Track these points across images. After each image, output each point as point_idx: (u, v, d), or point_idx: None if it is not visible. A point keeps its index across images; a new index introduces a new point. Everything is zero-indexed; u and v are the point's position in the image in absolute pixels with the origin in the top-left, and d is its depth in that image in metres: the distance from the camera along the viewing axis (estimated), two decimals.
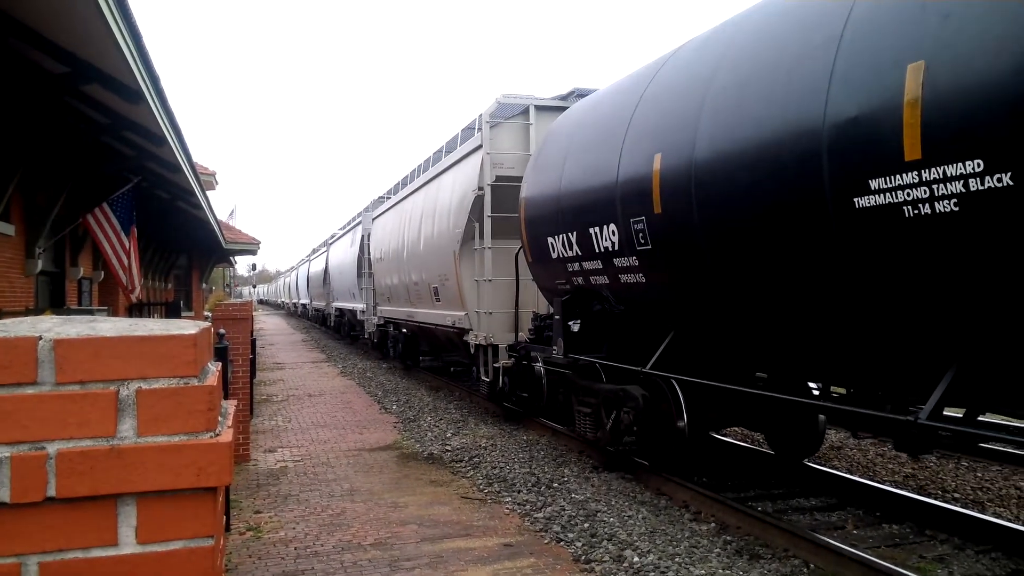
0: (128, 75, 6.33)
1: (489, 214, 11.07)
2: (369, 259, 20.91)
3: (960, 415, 5.43)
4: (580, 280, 8.48)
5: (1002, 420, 5.84)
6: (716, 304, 6.39)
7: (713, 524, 6.27)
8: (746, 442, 9.38)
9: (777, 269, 5.47)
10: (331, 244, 31.57)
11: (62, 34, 6.17)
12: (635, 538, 5.88)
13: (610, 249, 7.55)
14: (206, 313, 25.64)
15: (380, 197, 21.85)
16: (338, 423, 11.39)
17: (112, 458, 1.01)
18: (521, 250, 10.21)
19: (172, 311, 19.07)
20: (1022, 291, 3.88)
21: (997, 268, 3.94)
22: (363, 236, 21.89)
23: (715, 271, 6.12)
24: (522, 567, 5.41)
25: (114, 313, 14.29)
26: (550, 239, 8.88)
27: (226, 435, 1.05)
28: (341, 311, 28.94)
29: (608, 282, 7.88)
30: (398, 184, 18.98)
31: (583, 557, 5.54)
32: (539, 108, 11.34)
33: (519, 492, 7.32)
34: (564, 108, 10.72)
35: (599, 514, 6.52)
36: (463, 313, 11.99)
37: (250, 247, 26.86)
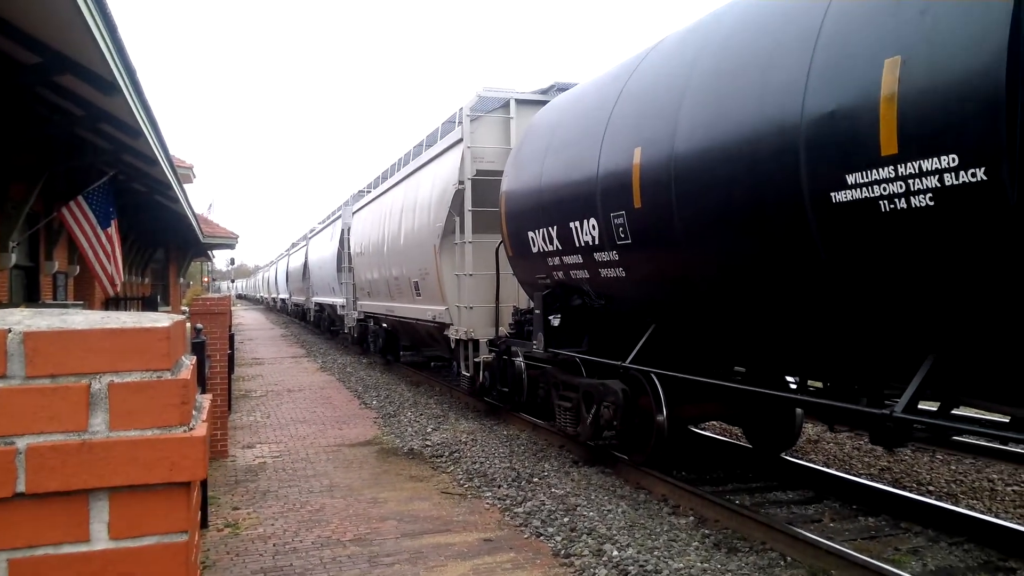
0: (103, 66, 6.24)
1: (470, 208, 11.05)
2: (349, 253, 20.81)
3: (935, 409, 5.51)
4: (560, 274, 8.49)
5: (975, 414, 5.93)
6: (695, 299, 6.43)
7: (692, 518, 6.31)
8: (725, 436, 9.44)
9: (755, 263, 5.50)
10: (311, 238, 31.38)
11: (33, 23, 6.07)
12: (614, 532, 5.90)
13: (590, 243, 7.56)
14: (184, 308, 25.42)
15: (360, 191, 21.74)
16: (317, 419, 11.34)
17: (83, 452, 0.99)
18: (502, 244, 10.21)
19: (149, 306, 18.87)
20: (994, 284, 3.93)
21: (971, 261, 3.99)
22: (343, 230, 21.77)
23: (694, 265, 6.15)
24: (502, 562, 5.41)
25: (90, 307, 14.12)
26: (531, 233, 8.88)
27: (200, 429, 1.04)
28: (321, 306, 28.78)
29: (588, 276, 7.89)
30: (378, 178, 18.89)
31: (563, 551, 5.55)
32: (520, 102, 11.32)
33: (499, 487, 7.32)
34: (545, 102, 10.71)
35: (579, 508, 6.54)
36: (443, 308, 11.97)
37: (228, 241, 26.64)
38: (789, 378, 7.21)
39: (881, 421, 4.75)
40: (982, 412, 5.55)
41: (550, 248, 8.46)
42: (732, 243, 5.67)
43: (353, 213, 20.98)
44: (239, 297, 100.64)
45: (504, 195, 9.69)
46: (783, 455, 7.90)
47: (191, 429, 1.04)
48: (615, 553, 5.44)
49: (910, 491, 6.91)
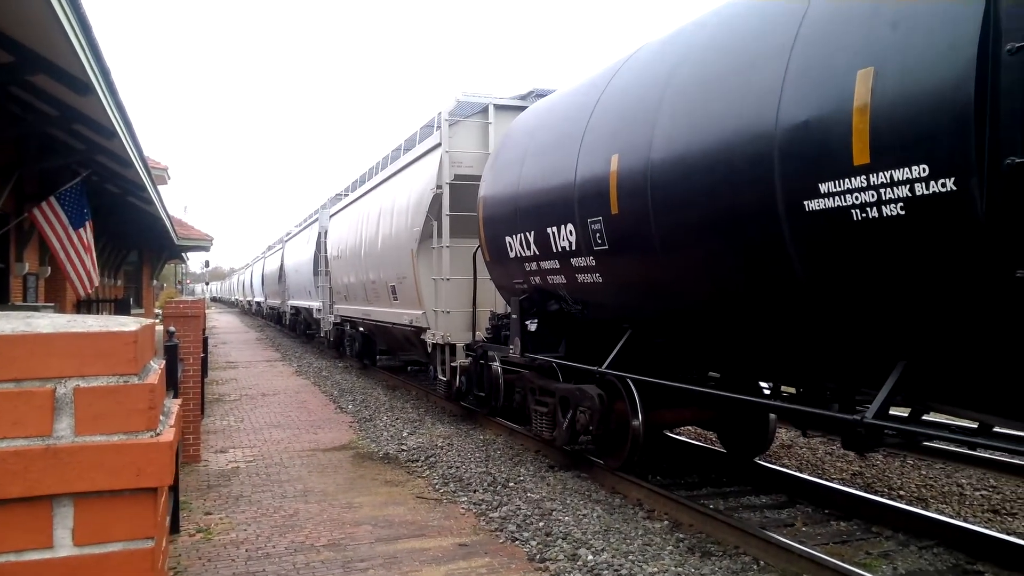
0: (77, 66, 6.16)
1: (447, 213, 11.04)
2: (326, 257, 20.69)
3: (905, 415, 5.58)
4: (538, 280, 8.50)
5: (945, 419, 6.01)
6: (670, 305, 6.47)
7: (666, 522, 6.34)
8: (700, 441, 9.50)
9: (729, 270, 5.55)
10: (287, 241, 31.16)
11: (7, 22, 5.98)
12: (589, 536, 5.92)
13: (567, 249, 7.58)
14: (157, 310, 25.13)
15: (337, 195, 21.64)
16: (292, 423, 11.25)
17: (48, 458, 0.98)
18: (479, 249, 10.21)
19: (122, 308, 18.63)
20: (962, 292, 4.00)
21: (939, 270, 4.05)
22: (320, 234, 21.65)
23: (669, 272, 6.19)
24: (477, 567, 5.40)
25: (61, 310, 13.91)
26: (508, 238, 8.88)
27: (167, 435, 1.03)
28: (297, 309, 28.58)
29: (565, 282, 7.91)
30: (356, 182, 18.82)
31: (538, 556, 5.55)
32: (498, 107, 11.34)
33: (475, 492, 7.31)
34: (523, 108, 10.73)
35: (554, 513, 6.55)
36: (421, 312, 11.94)
37: (203, 243, 26.36)
38: (763, 384, 7.27)
39: (852, 426, 4.80)
40: (951, 418, 5.63)
41: (527, 253, 8.48)
42: (707, 250, 5.72)
43: (330, 216, 20.87)
44: (213, 300, 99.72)
45: (482, 200, 9.70)
46: (757, 460, 7.96)
47: (158, 434, 1.03)
48: (590, 557, 5.45)
49: (881, 496, 6.99)
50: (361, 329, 17.77)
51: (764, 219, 4.97)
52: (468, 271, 11.04)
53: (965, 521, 6.25)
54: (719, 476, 7.89)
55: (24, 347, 0.98)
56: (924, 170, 3.91)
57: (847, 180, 4.32)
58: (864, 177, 4.22)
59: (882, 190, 4.13)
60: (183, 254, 33.18)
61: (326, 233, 20.89)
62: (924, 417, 5.58)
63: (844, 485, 7.32)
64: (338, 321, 19.84)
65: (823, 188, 4.47)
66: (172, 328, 7.27)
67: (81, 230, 10.85)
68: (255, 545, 5.84)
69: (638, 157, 6.34)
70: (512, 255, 8.88)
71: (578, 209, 7.25)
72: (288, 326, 32.46)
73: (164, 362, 1.24)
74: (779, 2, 5.33)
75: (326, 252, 20.58)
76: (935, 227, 3.94)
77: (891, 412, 4.79)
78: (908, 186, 3.99)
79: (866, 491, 7.15)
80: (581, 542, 5.79)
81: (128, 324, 1.06)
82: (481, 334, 10.86)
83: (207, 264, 66.65)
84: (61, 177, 11.11)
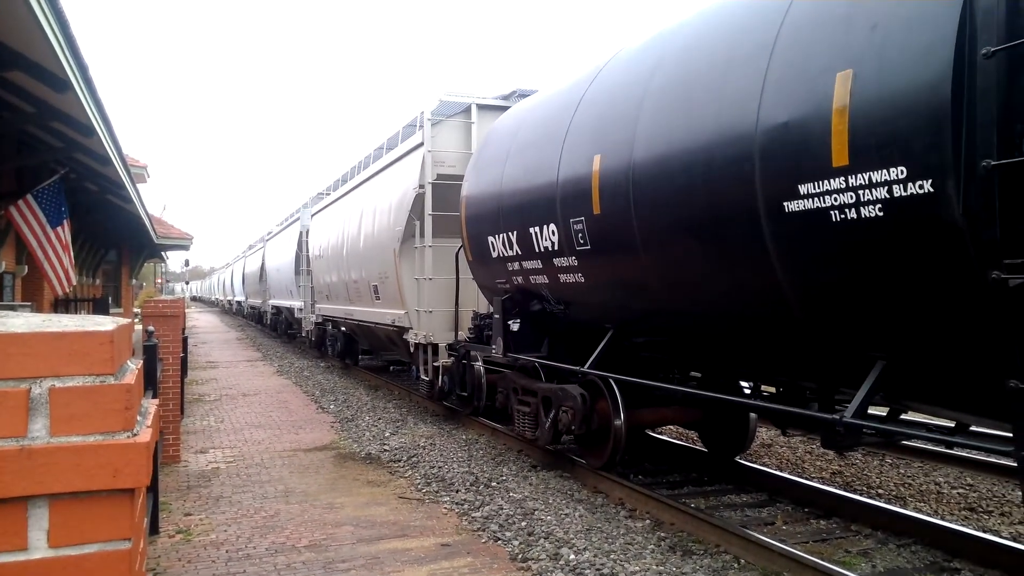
0: (54, 62, 6.09)
1: (430, 212, 11.02)
2: (307, 256, 20.59)
3: (884, 414, 5.64)
4: (520, 279, 8.51)
5: (923, 419, 6.09)
6: (652, 305, 6.49)
7: (648, 521, 6.37)
8: (681, 440, 9.54)
9: (710, 271, 5.58)
10: (268, 241, 30.97)
11: None
12: (571, 536, 5.93)
13: (550, 249, 7.59)
14: (136, 310, 24.88)
15: (319, 194, 21.54)
16: (273, 423, 11.19)
17: (22, 459, 0.97)
18: (462, 249, 10.20)
19: (100, 307, 18.45)
20: (940, 293, 4.04)
21: (917, 271, 4.09)
22: (301, 233, 21.54)
23: (651, 272, 6.21)
24: (459, 567, 5.40)
25: (39, 309, 13.74)
26: (491, 238, 8.88)
27: (144, 435, 1.02)
28: (278, 309, 28.41)
29: (548, 282, 7.92)
30: (338, 181, 18.74)
31: (520, 556, 5.56)
32: (481, 107, 11.34)
33: (457, 491, 7.30)
34: (506, 108, 10.74)
35: (536, 512, 6.55)
36: (403, 311, 11.91)
37: (183, 242, 26.14)
38: (743, 383, 7.31)
39: (832, 426, 4.84)
40: (929, 417, 5.70)
41: (510, 253, 8.48)
42: (688, 250, 5.74)
43: (312, 216, 20.77)
44: (194, 299, 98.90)
45: (464, 199, 9.69)
46: (738, 459, 8.01)
47: (135, 435, 1.02)
48: (572, 556, 5.46)
49: (860, 494, 7.06)
50: (343, 329, 17.70)
51: (744, 220, 5.00)
52: (451, 271, 11.03)
53: (942, 519, 6.33)
54: (701, 475, 7.93)
55: None
56: (902, 172, 3.95)
57: (826, 182, 4.36)
58: (843, 179, 4.26)
59: (861, 191, 4.17)
60: (163, 253, 32.88)
61: (308, 232, 20.79)
62: (902, 417, 5.64)
63: (824, 484, 7.38)
64: (320, 321, 19.75)
65: (803, 189, 4.51)
66: (151, 328, 7.21)
67: (59, 229, 10.73)
68: (235, 546, 5.80)
69: (620, 157, 6.36)
70: (495, 255, 8.88)
71: (560, 209, 7.26)
72: (269, 326, 32.27)
73: (141, 362, 1.23)
74: (760, 4, 5.36)
75: (308, 251, 20.48)
76: (913, 229, 3.98)
77: (870, 411, 4.84)
78: (886, 188, 4.03)
79: (845, 490, 7.21)
80: (563, 541, 5.80)
81: (104, 323, 1.05)
82: (464, 334, 10.85)
83: (187, 263, 66.06)
84: (39, 175, 10.98)
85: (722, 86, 5.32)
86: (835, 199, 4.32)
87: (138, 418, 1.06)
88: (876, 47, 4.16)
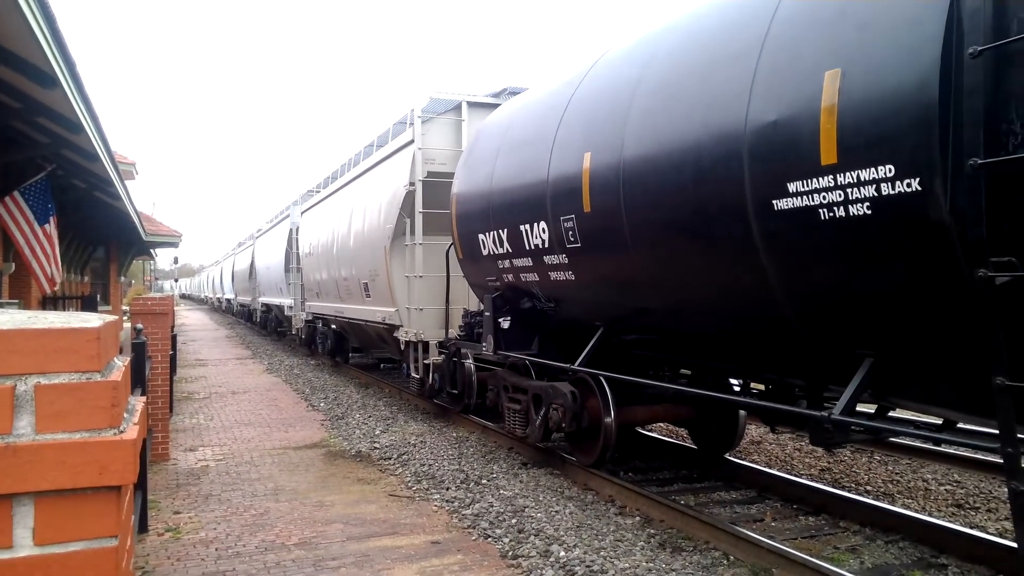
0: (41, 58, 6.05)
1: (420, 210, 11.00)
2: (297, 254, 20.53)
3: (872, 412, 5.67)
4: (510, 277, 8.51)
5: (911, 416, 6.13)
6: (642, 303, 6.51)
7: (638, 518, 6.38)
8: (671, 437, 9.57)
9: (699, 269, 5.60)
10: (258, 238, 30.85)
11: None
12: (562, 533, 5.94)
13: (540, 247, 7.60)
14: (124, 307, 24.75)
15: (309, 191, 21.47)
16: (263, 421, 11.16)
17: (7, 456, 0.96)
18: (452, 246, 10.19)
19: (88, 305, 18.33)
20: (927, 291, 4.07)
21: (904, 269, 4.12)
22: (291, 230, 21.47)
23: (641, 269, 6.22)
24: (449, 564, 5.40)
25: (26, 306, 13.65)
26: (481, 236, 8.88)
27: (131, 432, 1.02)
28: (268, 306, 28.31)
29: (538, 279, 7.93)
30: (328, 178, 18.69)
31: (510, 553, 5.56)
32: (472, 105, 11.32)
33: (448, 489, 7.31)
34: (496, 105, 10.73)
35: (527, 510, 6.56)
36: (393, 309, 11.89)
37: (172, 240, 26.05)
38: (733, 381, 7.34)
39: (820, 423, 4.87)
40: (917, 414, 5.73)
41: (500, 251, 8.48)
42: (678, 248, 5.76)
43: (302, 213, 20.71)
44: (183, 297, 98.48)
45: (455, 197, 9.68)
46: (727, 456, 8.04)
47: (122, 432, 1.02)
48: (562, 554, 5.47)
49: (849, 491, 7.10)
50: (333, 326, 17.66)
51: (734, 218, 5.02)
52: (441, 268, 11.02)
53: (930, 515, 6.37)
54: (690, 472, 7.96)
55: None
56: (890, 170, 3.97)
57: (815, 180, 4.38)
58: (831, 177, 4.28)
59: (849, 190, 4.19)
60: (151, 250, 32.73)
61: (298, 230, 20.73)
62: (890, 414, 5.68)
63: (812, 480, 7.42)
64: (310, 318, 19.70)
65: (791, 187, 4.53)
66: (140, 325, 7.17)
67: (46, 226, 10.66)
68: (225, 544, 5.79)
69: (610, 155, 6.36)
70: (485, 252, 8.88)
71: (551, 207, 7.26)
72: (259, 323, 32.15)
73: (128, 359, 1.23)
74: (749, 3, 5.38)
75: (298, 249, 20.42)
76: (900, 227, 4.01)
77: (858, 409, 4.86)
78: (874, 186, 4.05)
79: (834, 486, 7.25)
80: (553, 539, 5.81)
81: (91, 320, 1.05)
82: (454, 331, 10.84)
83: (176, 261, 65.79)
84: (25, 172, 10.90)
85: (711, 85, 5.33)
86: (823, 197, 4.34)
87: (125, 415, 1.06)
88: (864, 46, 4.18)
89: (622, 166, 6.18)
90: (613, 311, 7.08)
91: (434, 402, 11.81)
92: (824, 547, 5.75)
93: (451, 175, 10.22)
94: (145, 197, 66.25)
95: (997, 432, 3.73)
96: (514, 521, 6.25)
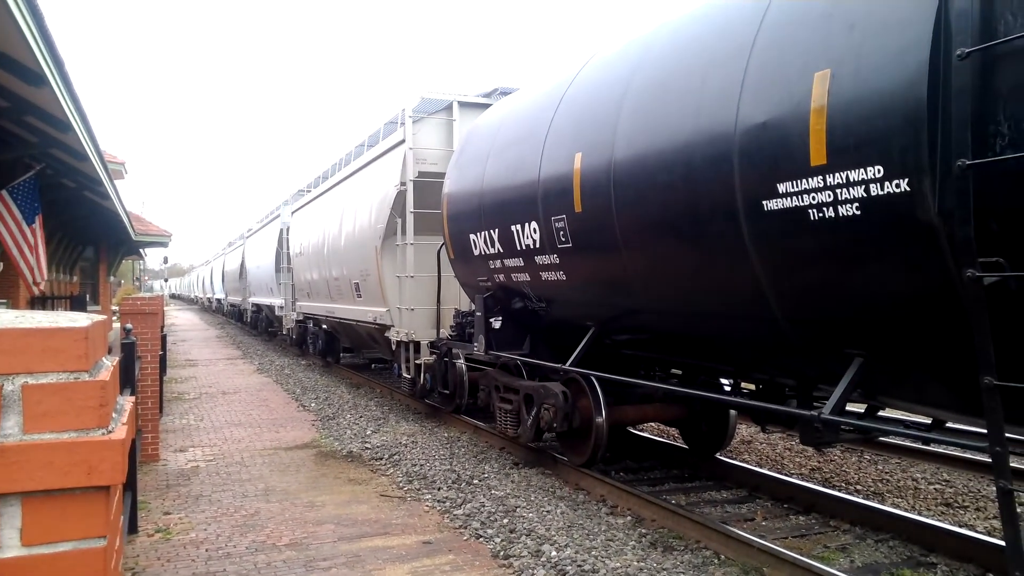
0: (29, 57, 6.02)
1: (411, 210, 10.99)
2: (288, 254, 20.47)
3: (862, 411, 5.70)
4: (502, 277, 8.51)
5: (901, 415, 6.17)
6: (633, 303, 6.52)
7: (629, 517, 6.39)
8: (662, 437, 9.59)
9: (689, 269, 5.61)
10: (248, 238, 30.75)
11: None
12: (553, 532, 5.94)
13: (531, 247, 7.60)
14: (114, 307, 24.62)
15: (300, 191, 21.41)
16: (253, 421, 11.12)
17: None
18: (443, 246, 10.18)
19: (78, 305, 18.24)
20: (915, 291, 4.09)
21: (893, 269, 4.14)
22: (282, 230, 21.41)
23: (632, 270, 6.23)
24: (440, 564, 5.40)
25: (15, 306, 13.57)
26: (472, 236, 8.87)
27: (119, 432, 1.02)
28: (258, 306, 28.22)
29: (529, 279, 7.93)
30: (318, 178, 18.64)
31: (502, 553, 5.56)
32: (463, 105, 11.32)
33: (439, 489, 7.30)
34: (488, 105, 10.73)
35: (518, 510, 6.56)
36: (385, 309, 11.87)
37: (161, 239, 25.94)
38: (724, 380, 7.36)
39: (810, 422, 4.89)
40: (906, 414, 5.76)
41: (491, 251, 8.48)
42: (668, 249, 5.77)
43: (293, 213, 20.66)
44: (172, 297, 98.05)
45: (446, 197, 9.67)
46: (718, 455, 8.06)
47: (110, 432, 1.01)
48: (553, 553, 5.48)
49: (839, 490, 7.13)
50: (324, 326, 17.62)
51: (724, 218, 5.03)
52: (432, 268, 11.01)
53: (919, 514, 6.40)
54: (681, 472, 7.98)
55: None
56: (879, 171, 3.99)
57: (804, 180, 4.39)
58: (821, 178, 4.30)
59: (838, 190, 4.21)
60: (141, 250, 32.58)
61: (288, 230, 20.67)
62: (880, 413, 5.71)
63: (803, 480, 7.45)
64: (301, 318, 19.65)
65: (781, 188, 4.54)
66: (129, 325, 7.14)
67: (33, 226, 10.60)
68: (215, 545, 5.77)
69: (601, 156, 6.37)
70: (476, 252, 8.88)
71: (542, 207, 7.27)
72: (249, 324, 32.04)
73: (117, 359, 1.22)
74: (739, 4, 5.40)
75: (288, 249, 20.36)
76: (889, 227, 4.03)
77: (848, 408, 4.88)
78: (863, 187, 4.07)
79: (824, 486, 7.28)
80: (545, 538, 5.81)
81: (79, 320, 1.04)
82: (446, 331, 10.83)
83: (166, 260, 65.52)
84: (14, 171, 10.84)
85: (702, 86, 5.35)
86: (813, 198, 4.36)
87: (113, 415, 1.05)
88: (854, 47, 4.20)
89: (613, 166, 6.19)
90: (604, 311, 7.09)
91: (425, 402, 11.80)
92: (814, 546, 5.77)
93: (442, 175, 10.21)
94: (134, 196, 66.02)
95: (986, 431, 3.75)
96: (505, 521, 6.25)
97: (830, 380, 4.96)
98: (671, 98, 5.69)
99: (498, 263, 8.43)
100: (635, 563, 5.30)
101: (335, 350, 18.26)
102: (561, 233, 7.01)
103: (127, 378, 5.72)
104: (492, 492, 7.15)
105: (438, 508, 6.71)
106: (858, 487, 7.47)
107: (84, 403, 0.99)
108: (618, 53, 7.04)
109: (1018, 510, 3.77)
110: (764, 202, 4.68)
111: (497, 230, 8.24)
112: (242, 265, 31.06)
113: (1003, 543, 3.84)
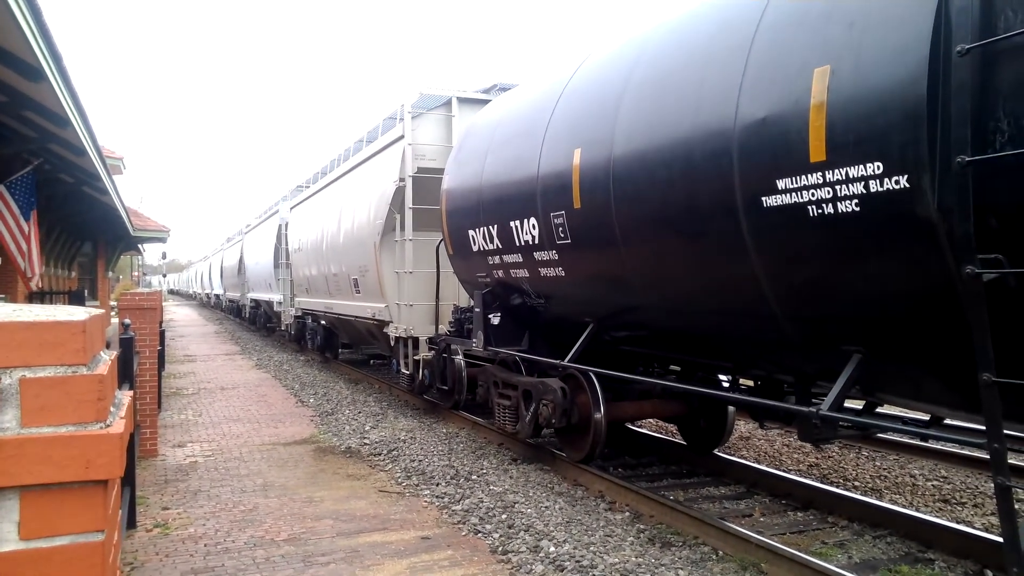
0: (27, 51, 6.00)
1: (410, 206, 10.98)
2: (287, 249, 20.46)
3: (860, 407, 5.70)
4: (500, 273, 8.50)
5: (898, 412, 6.19)
6: (632, 299, 6.52)
7: (627, 513, 6.40)
8: (661, 433, 9.59)
9: (688, 265, 5.61)
10: (247, 233, 30.73)
11: None
12: (552, 528, 5.95)
13: (530, 243, 7.60)
14: (112, 303, 24.60)
15: (299, 186, 21.40)
16: (252, 417, 11.12)
17: None
18: (442, 242, 10.18)
19: (76, 300, 18.22)
20: (914, 287, 4.09)
21: (892, 265, 4.14)
22: (281, 226, 21.40)
23: (631, 266, 6.23)
24: (439, 559, 5.40)
25: (12, 301, 13.54)
26: (471, 232, 8.87)
27: (117, 426, 1.01)
28: (257, 302, 28.21)
29: (528, 275, 7.93)
30: (317, 174, 18.62)
31: (500, 548, 5.57)
32: (462, 100, 11.30)
33: (438, 485, 7.30)
34: (487, 101, 10.71)
35: (517, 505, 6.57)
36: (383, 305, 11.87)
37: (160, 235, 25.89)
38: (722, 377, 7.36)
39: (808, 419, 4.89)
40: (904, 410, 5.77)
41: (490, 247, 8.47)
42: (667, 245, 5.77)
43: (291, 209, 20.64)
44: (171, 292, 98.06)
45: (445, 193, 9.66)
46: (716, 451, 8.07)
47: (108, 426, 1.01)
48: (552, 549, 5.48)
49: (837, 486, 7.14)
50: (323, 322, 17.62)
51: (723, 215, 5.03)
52: (431, 264, 11.01)
53: (917, 511, 6.41)
54: (680, 468, 7.99)
55: None
56: (878, 167, 3.99)
57: (804, 177, 4.39)
58: (820, 174, 4.29)
59: (838, 187, 4.21)
60: (139, 246, 32.55)
61: (287, 225, 20.66)
62: (878, 410, 5.71)
63: (801, 476, 7.46)
64: (299, 314, 19.64)
65: (780, 184, 4.54)
66: (127, 320, 7.13)
67: (29, 221, 10.59)
68: (214, 540, 5.77)
69: (601, 152, 6.36)
70: (475, 248, 8.87)
71: (541, 203, 7.26)
72: (248, 319, 32.03)
73: (115, 353, 1.22)
74: (738, 1, 5.39)
75: (287, 244, 20.35)
76: (889, 223, 4.03)
77: (846, 405, 4.89)
78: (863, 183, 4.07)
79: (822, 482, 7.29)
80: (543, 534, 5.81)
81: (77, 314, 1.04)
82: (444, 327, 10.83)
83: (164, 256, 65.47)
84: (11, 166, 10.82)
85: (701, 82, 5.34)
86: (812, 194, 4.36)
87: (111, 409, 1.05)
88: (854, 44, 4.19)
89: (612, 162, 6.18)
90: (603, 307, 7.09)
91: (424, 398, 11.80)
92: (812, 542, 5.78)
93: (441, 171, 10.20)
94: (133, 192, 65.95)
95: (984, 428, 3.75)
96: (504, 517, 6.26)
97: (828, 376, 4.96)
98: (670, 94, 5.68)
99: (497, 259, 8.43)
100: (633, 559, 5.31)
101: (334, 346, 18.26)
102: (560, 229, 7.01)
103: (125, 373, 5.71)
104: (491, 488, 7.15)
105: (436, 504, 6.71)
106: (856, 483, 7.48)
107: (82, 397, 0.99)
108: (617, 49, 7.03)
109: (1016, 506, 3.78)
110: (763, 198, 4.67)
111: (496, 226, 8.23)
112: (241, 261, 31.04)
113: (1001, 539, 3.84)
